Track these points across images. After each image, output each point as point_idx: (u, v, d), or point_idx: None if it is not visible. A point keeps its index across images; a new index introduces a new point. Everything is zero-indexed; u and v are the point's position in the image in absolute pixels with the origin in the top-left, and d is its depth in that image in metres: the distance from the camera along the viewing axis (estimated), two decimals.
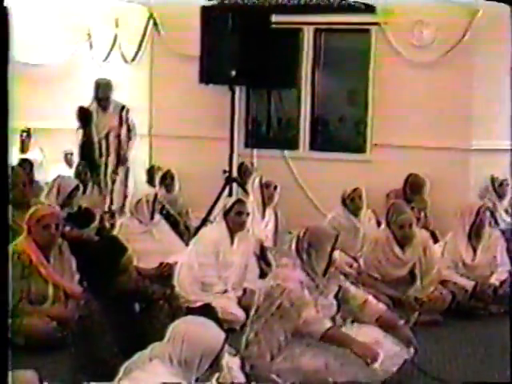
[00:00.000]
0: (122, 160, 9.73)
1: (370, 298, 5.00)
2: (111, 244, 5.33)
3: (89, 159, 9.59)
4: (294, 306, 4.57)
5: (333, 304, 4.82)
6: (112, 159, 9.70)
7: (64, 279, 5.69)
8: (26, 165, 9.40)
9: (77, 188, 7.45)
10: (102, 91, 9.62)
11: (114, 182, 9.73)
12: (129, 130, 9.68)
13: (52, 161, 10.86)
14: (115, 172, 9.71)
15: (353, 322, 4.94)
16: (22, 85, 10.44)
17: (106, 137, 9.62)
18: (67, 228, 6.85)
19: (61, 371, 4.72)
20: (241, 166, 9.59)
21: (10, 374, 3.25)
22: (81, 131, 9.55)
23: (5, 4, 2.51)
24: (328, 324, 4.61)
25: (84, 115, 9.50)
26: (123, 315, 4.66)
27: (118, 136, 9.63)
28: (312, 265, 4.72)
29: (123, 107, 9.64)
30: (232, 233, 6.43)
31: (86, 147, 9.60)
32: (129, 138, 9.68)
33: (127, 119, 9.67)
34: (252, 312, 4.81)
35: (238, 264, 6.42)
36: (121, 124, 9.65)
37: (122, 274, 4.70)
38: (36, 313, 5.48)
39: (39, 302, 5.56)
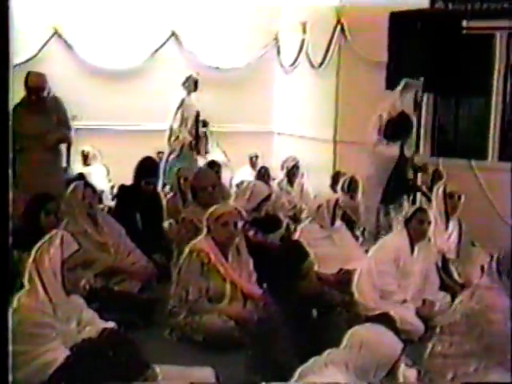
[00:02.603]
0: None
1: None
2: (294, 248, 5.34)
3: None
4: (497, 339, 4.33)
5: None
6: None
7: (242, 278, 5.73)
8: (215, 166, 9.59)
9: (268, 197, 7.49)
10: None
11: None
12: None
13: (236, 163, 11.07)
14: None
15: None
16: (211, 89, 10.79)
17: None
18: (251, 232, 6.94)
19: (236, 370, 4.76)
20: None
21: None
22: None
23: (7, 4, 2.53)
24: None
25: None
26: (301, 319, 4.65)
27: None
28: None
29: None
30: (413, 241, 6.29)
31: None
32: None
33: None
34: (434, 324, 4.65)
35: (418, 273, 6.27)
36: None
37: (303, 278, 4.69)
38: (215, 311, 5.54)
39: (217, 300, 5.62)
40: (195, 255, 5.63)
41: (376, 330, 3.68)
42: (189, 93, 10.61)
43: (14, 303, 4.34)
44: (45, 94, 7.78)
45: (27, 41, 11.09)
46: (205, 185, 6.97)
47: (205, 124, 10.94)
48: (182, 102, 10.61)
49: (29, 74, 7.76)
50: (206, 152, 11.03)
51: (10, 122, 2.52)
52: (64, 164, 8.15)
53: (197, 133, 10.63)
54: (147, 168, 7.90)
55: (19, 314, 4.29)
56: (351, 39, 10.41)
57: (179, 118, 10.51)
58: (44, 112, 7.64)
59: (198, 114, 10.57)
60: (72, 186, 6.62)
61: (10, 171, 2.52)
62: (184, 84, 10.62)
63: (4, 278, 2.55)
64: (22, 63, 11.12)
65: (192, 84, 10.60)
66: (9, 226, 2.59)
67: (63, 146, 8.02)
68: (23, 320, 4.27)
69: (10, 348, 4.28)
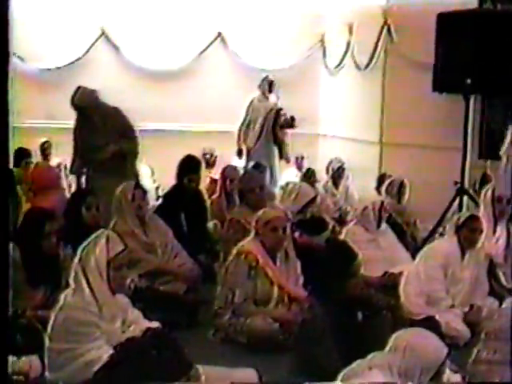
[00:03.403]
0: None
1: None
2: (343, 248, 5.31)
3: None
4: None
5: None
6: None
7: (289, 282, 5.71)
8: (259, 168, 9.58)
9: (314, 199, 7.47)
10: None
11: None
12: None
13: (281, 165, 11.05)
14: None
15: None
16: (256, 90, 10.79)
17: None
18: (297, 234, 6.93)
19: (279, 372, 4.75)
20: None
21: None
22: None
23: (6, 3, 2.52)
24: None
25: None
26: (346, 322, 4.63)
27: None
28: None
29: None
30: (463, 249, 6.21)
31: None
32: None
33: None
34: (480, 329, 4.59)
35: (467, 280, 6.18)
36: None
37: (351, 278, 4.66)
38: (260, 314, 5.53)
39: (263, 303, 5.60)
40: (243, 257, 5.62)
41: (421, 334, 3.65)
42: (263, 94, 10.47)
43: (60, 301, 4.38)
44: (93, 110, 7.72)
45: (74, 42, 11.22)
46: (252, 186, 7.00)
47: (287, 125, 10.55)
48: (251, 103, 10.48)
49: (76, 91, 7.80)
50: (286, 158, 10.76)
51: (10, 122, 2.54)
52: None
53: (275, 136, 10.44)
54: (189, 165, 7.95)
55: (64, 313, 4.33)
56: (398, 40, 10.35)
57: (247, 120, 10.41)
58: (96, 127, 7.66)
59: (276, 116, 10.37)
60: (122, 186, 6.66)
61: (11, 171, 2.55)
62: (259, 85, 10.49)
63: (4, 276, 2.57)
64: (69, 64, 11.27)
65: (266, 85, 10.45)
66: (8, 226, 2.62)
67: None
68: (68, 318, 4.31)
69: (55, 346, 4.34)
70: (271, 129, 10.36)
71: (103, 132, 7.62)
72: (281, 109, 10.38)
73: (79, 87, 7.82)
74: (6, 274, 2.60)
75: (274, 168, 10.32)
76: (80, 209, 6.25)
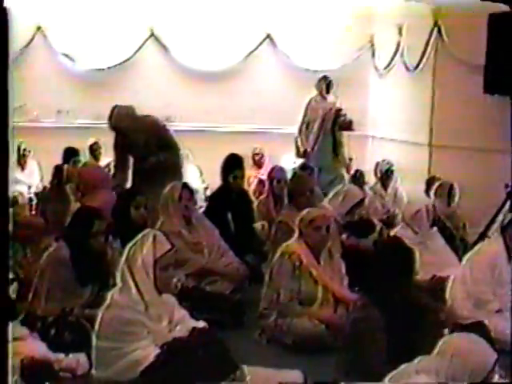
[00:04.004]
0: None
1: None
2: (399, 248, 5.23)
3: None
4: None
5: None
6: None
7: (334, 282, 5.69)
8: (307, 169, 9.55)
9: (362, 201, 7.43)
10: None
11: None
12: None
13: None
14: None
15: None
16: (305, 91, 10.77)
17: None
18: (344, 236, 6.90)
19: (325, 374, 4.73)
20: None
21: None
22: None
23: (4, 4, 2.52)
24: None
25: None
26: (396, 324, 4.58)
27: None
28: None
29: None
30: (509, 250, 6.12)
31: None
32: None
33: None
34: None
35: None
36: None
37: (408, 276, 4.60)
38: (305, 314, 5.51)
39: (308, 303, 5.59)
40: (287, 257, 5.62)
41: (469, 338, 3.59)
42: (320, 94, 10.31)
43: (107, 300, 4.42)
44: (131, 127, 7.73)
45: (123, 43, 11.31)
46: (303, 189, 7.07)
47: (346, 127, 10.35)
48: (309, 103, 10.32)
49: (112, 111, 7.83)
50: (346, 165, 10.60)
51: (11, 122, 2.56)
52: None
53: (334, 138, 10.27)
54: (233, 162, 7.97)
55: (112, 311, 4.36)
56: (448, 41, 10.23)
57: (305, 121, 10.26)
58: (135, 143, 7.72)
59: (336, 116, 10.20)
60: (169, 186, 6.69)
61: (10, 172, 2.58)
62: (316, 85, 10.32)
63: (4, 274, 2.59)
64: (118, 65, 11.36)
65: (324, 85, 10.26)
66: (8, 226, 2.64)
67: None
68: (115, 317, 4.34)
69: (102, 344, 4.38)
70: (330, 129, 10.28)
71: (143, 146, 7.69)
72: (340, 109, 10.24)
73: (115, 107, 7.87)
74: (6, 274, 2.62)
75: (331, 170, 10.19)
76: (129, 208, 6.32)
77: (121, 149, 7.93)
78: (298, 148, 10.36)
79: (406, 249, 5.08)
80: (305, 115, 10.27)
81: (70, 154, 9.86)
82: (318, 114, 10.22)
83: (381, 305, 4.55)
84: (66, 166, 8.66)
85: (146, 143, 7.70)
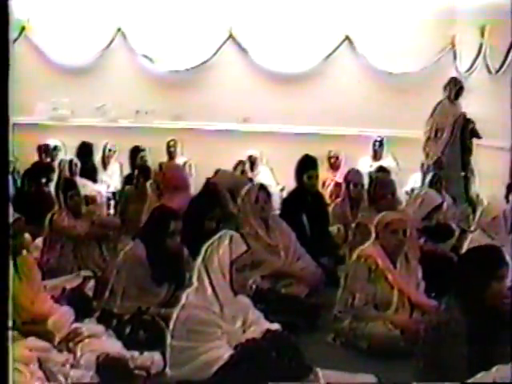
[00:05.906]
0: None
1: None
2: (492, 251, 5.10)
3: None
4: None
5: None
6: None
7: (410, 286, 5.62)
8: (384, 173, 9.44)
9: (440, 205, 7.34)
10: None
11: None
12: None
13: (408, 170, 10.89)
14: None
15: None
16: (383, 93, 10.69)
17: None
18: (422, 240, 6.81)
19: (400, 379, 4.66)
20: None
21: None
22: None
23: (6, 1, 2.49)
24: None
25: None
26: (474, 332, 4.49)
27: None
28: None
29: None
30: None
31: None
32: None
33: None
34: None
35: None
36: None
37: (495, 286, 4.49)
38: (380, 318, 5.46)
39: (384, 307, 5.53)
40: (363, 260, 5.57)
41: None
42: (448, 98, 9.98)
43: (183, 299, 4.44)
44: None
45: (202, 44, 11.39)
46: (385, 192, 7.09)
47: (476, 135, 9.98)
48: (435, 108, 9.99)
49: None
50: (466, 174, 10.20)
51: (11, 122, 2.57)
52: None
53: (464, 147, 9.94)
54: (306, 163, 7.95)
55: (187, 311, 4.38)
56: None
57: (433, 126, 9.90)
58: None
59: (466, 123, 9.86)
60: (246, 188, 6.73)
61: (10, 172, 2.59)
62: (444, 87, 10.00)
63: (4, 272, 2.59)
64: (197, 66, 11.46)
65: (453, 88, 9.92)
66: (9, 226, 2.65)
67: None
68: (190, 317, 4.36)
69: (177, 343, 4.40)
70: (459, 137, 9.96)
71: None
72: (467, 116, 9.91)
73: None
74: (6, 274, 2.63)
75: (460, 180, 9.92)
76: (203, 219, 6.35)
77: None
78: (426, 154, 9.98)
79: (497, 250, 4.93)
80: (433, 121, 9.94)
81: (136, 151, 10.38)
82: (447, 120, 9.88)
83: (464, 310, 4.46)
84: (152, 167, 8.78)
85: None
